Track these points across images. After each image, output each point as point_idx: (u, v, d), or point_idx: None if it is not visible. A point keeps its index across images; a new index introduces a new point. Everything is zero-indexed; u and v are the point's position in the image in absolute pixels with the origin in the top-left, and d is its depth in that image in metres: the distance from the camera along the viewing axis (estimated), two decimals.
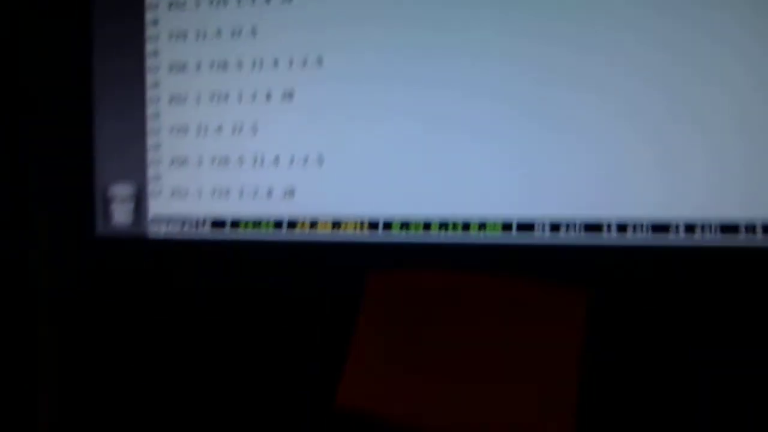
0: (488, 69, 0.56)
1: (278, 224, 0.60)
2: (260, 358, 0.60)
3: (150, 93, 0.63)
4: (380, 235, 0.58)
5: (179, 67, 0.62)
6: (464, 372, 0.50)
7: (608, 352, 0.54)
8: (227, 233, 0.61)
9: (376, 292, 0.53)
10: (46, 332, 0.65)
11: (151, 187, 0.63)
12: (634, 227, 0.54)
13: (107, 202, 0.64)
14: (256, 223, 0.61)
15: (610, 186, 0.55)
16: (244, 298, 0.61)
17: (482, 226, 0.57)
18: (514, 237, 0.56)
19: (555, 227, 0.56)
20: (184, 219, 0.62)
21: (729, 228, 0.53)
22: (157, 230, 0.63)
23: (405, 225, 0.58)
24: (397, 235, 0.58)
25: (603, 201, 0.55)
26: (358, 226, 0.59)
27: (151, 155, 0.63)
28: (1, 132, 0.64)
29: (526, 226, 0.56)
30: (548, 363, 0.50)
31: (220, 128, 0.61)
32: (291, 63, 0.60)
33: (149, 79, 0.63)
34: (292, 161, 0.60)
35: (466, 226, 0.57)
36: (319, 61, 0.59)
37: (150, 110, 0.63)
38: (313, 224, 0.60)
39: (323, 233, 0.59)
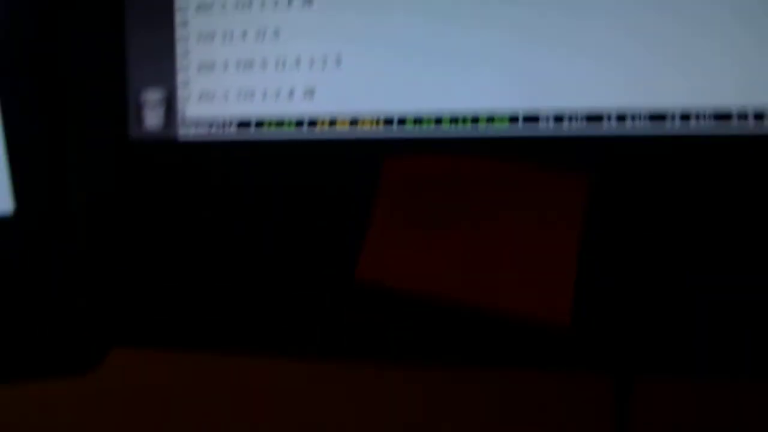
0: None
1: (299, 123, 0.65)
2: (285, 245, 0.65)
3: (178, 2, 0.67)
4: (395, 131, 0.62)
5: None
6: (474, 248, 0.55)
7: (607, 234, 0.58)
8: (252, 133, 0.66)
9: (392, 176, 0.57)
10: (83, 233, 0.70)
11: (181, 92, 0.67)
12: (633, 117, 0.58)
13: (139, 107, 0.68)
14: (279, 123, 0.65)
15: (609, 76, 0.58)
16: (268, 193, 0.65)
17: (490, 119, 0.61)
18: (521, 129, 0.60)
19: (558, 119, 0.59)
20: (212, 121, 0.67)
21: (722, 116, 0.57)
22: (186, 132, 0.67)
23: (418, 120, 0.62)
24: (410, 130, 0.62)
25: (603, 92, 0.59)
26: (374, 122, 0.63)
27: (179, 62, 0.67)
28: (39, 40, 0.68)
29: (531, 119, 0.60)
30: (551, 241, 0.55)
31: (244, 34, 0.65)
32: None
33: None
34: (312, 63, 0.64)
35: (475, 120, 0.61)
36: None
37: (178, 19, 0.67)
38: (332, 122, 0.64)
39: (341, 131, 0.64)
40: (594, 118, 0.59)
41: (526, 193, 0.55)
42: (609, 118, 0.59)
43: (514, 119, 0.60)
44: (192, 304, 0.66)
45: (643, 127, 0.58)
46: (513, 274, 0.53)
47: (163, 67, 0.68)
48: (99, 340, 0.69)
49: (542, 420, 0.60)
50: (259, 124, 0.65)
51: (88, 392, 0.64)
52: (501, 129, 0.60)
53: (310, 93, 0.64)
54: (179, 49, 0.67)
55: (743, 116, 0.57)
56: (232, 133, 0.66)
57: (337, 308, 0.59)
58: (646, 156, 0.58)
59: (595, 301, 0.55)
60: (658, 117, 0.58)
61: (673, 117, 0.58)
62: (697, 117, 0.57)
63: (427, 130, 0.62)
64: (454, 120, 0.61)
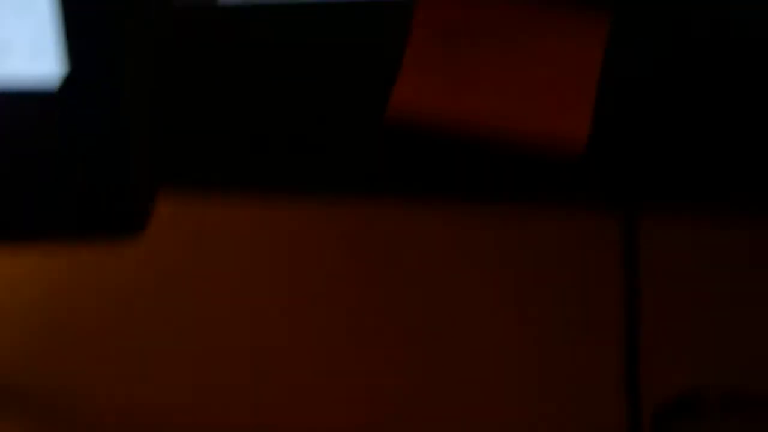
0: None
1: None
2: (324, 104, 0.69)
3: None
4: None
5: None
6: (499, 81, 0.60)
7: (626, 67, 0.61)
8: None
9: (423, 18, 0.61)
10: (131, 101, 0.74)
11: None
12: None
13: None
14: None
15: None
16: (307, 53, 0.70)
17: None
18: None
19: None
20: None
21: None
22: None
23: None
24: None
25: None
26: None
27: None
28: None
29: None
30: (573, 72, 0.59)
31: None
32: None
33: None
34: None
35: None
36: None
37: None
38: None
39: None
40: None
41: (550, 29, 0.59)
42: None
43: None
44: (233, 166, 0.71)
45: None
46: (535, 102, 0.58)
47: None
48: (146, 204, 0.72)
49: (551, 255, 0.65)
50: None
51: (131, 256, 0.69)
52: None
53: None
54: None
55: None
56: None
57: (368, 146, 0.64)
58: None
59: (608, 133, 0.59)
60: None
61: None
62: None
63: None
64: None
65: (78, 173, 0.66)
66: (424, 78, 0.60)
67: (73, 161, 0.65)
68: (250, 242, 0.70)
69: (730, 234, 0.61)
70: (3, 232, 0.62)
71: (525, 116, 0.57)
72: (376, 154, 0.64)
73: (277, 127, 0.70)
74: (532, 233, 0.64)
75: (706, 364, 0.64)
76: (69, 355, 0.69)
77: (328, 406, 0.68)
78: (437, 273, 0.68)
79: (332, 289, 0.69)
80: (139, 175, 0.73)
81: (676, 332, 0.63)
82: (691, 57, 0.60)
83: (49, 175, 0.60)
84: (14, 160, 0.60)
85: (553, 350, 0.66)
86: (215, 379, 0.69)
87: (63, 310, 0.69)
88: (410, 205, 0.65)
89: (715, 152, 0.59)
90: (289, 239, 0.70)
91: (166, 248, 0.70)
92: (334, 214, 0.68)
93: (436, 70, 0.60)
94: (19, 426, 0.68)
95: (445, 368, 0.67)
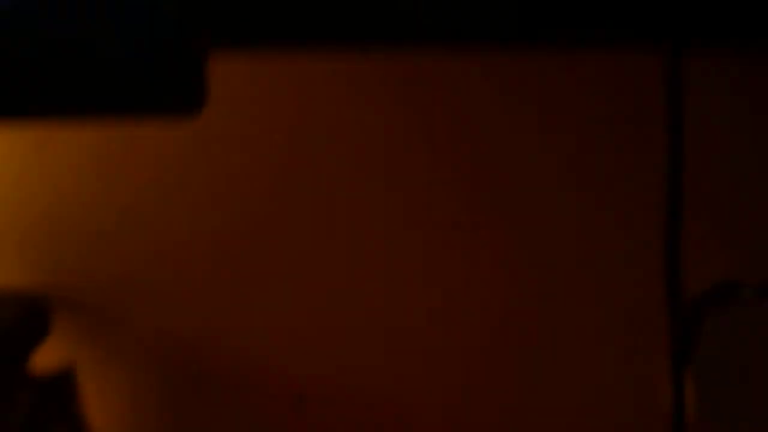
0: None
1: None
2: None
3: None
4: None
5: None
6: None
7: None
8: None
9: None
10: None
11: None
12: None
13: None
14: None
15: None
16: None
17: None
18: None
19: None
20: None
21: None
22: None
23: None
24: None
25: None
26: None
27: None
28: None
29: None
30: None
31: None
32: None
33: None
34: None
35: None
36: None
37: None
38: None
39: None
40: None
41: None
42: None
43: None
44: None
45: None
46: None
47: None
48: (200, 78, 0.73)
49: (597, 100, 0.65)
50: None
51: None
52: None
53: None
54: None
55: None
56: None
57: None
58: None
59: None
60: None
61: None
62: None
63: None
64: None
65: (135, 47, 0.64)
66: None
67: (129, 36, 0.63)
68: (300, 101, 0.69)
69: None
70: (63, 109, 0.63)
71: None
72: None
73: None
74: (579, 78, 0.63)
75: (746, 246, 0.65)
76: (133, 235, 0.71)
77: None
78: (483, 117, 0.67)
79: (388, 138, 0.68)
80: (190, 47, 0.70)
81: (718, 207, 0.63)
82: None
83: (107, 50, 0.60)
84: (74, 36, 0.60)
85: (595, 216, 0.67)
86: (283, 243, 0.70)
87: (122, 188, 0.70)
88: (454, 53, 0.64)
89: None
90: (340, 93, 0.69)
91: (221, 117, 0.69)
92: (389, 65, 0.66)
93: None
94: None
95: (492, 204, 0.68)
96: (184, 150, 0.68)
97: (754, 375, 0.67)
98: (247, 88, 0.68)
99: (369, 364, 0.71)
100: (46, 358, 0.63)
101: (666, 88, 0.54)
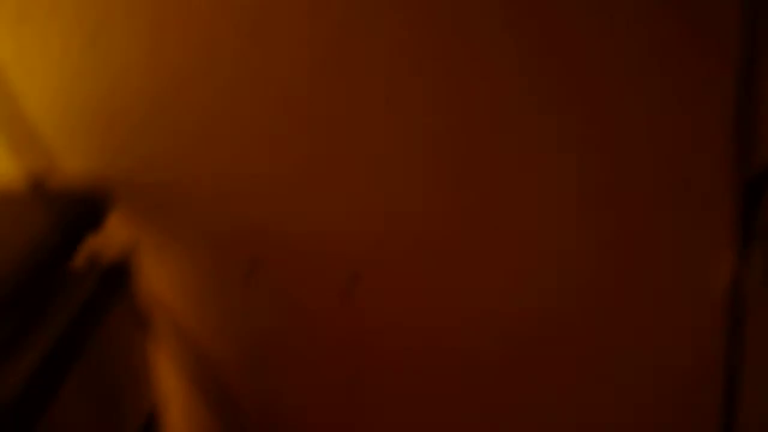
0: None
1: None
2: None
3: None
4: None
5: None
6: None
7: None
8: None
9: None
10: None
11: None
12: None
13: None
14: None
15: None
16: None
17: None
18: None
19: None
20: None
21: None
22: None
23: None
24: None
25: None
26: None
27: None
28: None
29: None
30: None
31: None
32: None
33: None
34: None
35: None
36: None
37: None
38: None
39: None
40: None
41: None
42: None
43: None
44: None
45: None
46: None
47: None
48: None
49: None
50: None
51: None
52: None
53: None
54: None
55: None
56: None
57: None
58: None
59: None
60: None
61: None
62: None
63: None
64: None
65: None
66: None
67: None
68: None
69: None
70: None
71: None
72: None
73: None
74: None
75: None
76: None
77: None
78: None
79: None
80: None
81: None
82: None
83: None
84: None
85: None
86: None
87: (177, 72, 0.70)
88: None
89: None
90: None
91: None
92: None
93: None
94: None
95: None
96: (239, 34, 0.67)
97: None
98: None
99: (426, 249, 0.72)
100: (107, 240, 0.66)
101: None
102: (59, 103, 0.68)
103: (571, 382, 0.74)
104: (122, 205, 0.69)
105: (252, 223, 0.71)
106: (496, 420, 0.76)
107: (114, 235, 0.68)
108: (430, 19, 0.64)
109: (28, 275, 0.53)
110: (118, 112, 0.68)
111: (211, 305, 0.73)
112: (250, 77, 0.67)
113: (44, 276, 0.56)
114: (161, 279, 0.71)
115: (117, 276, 0.66)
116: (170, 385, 0.75)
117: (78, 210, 0.64)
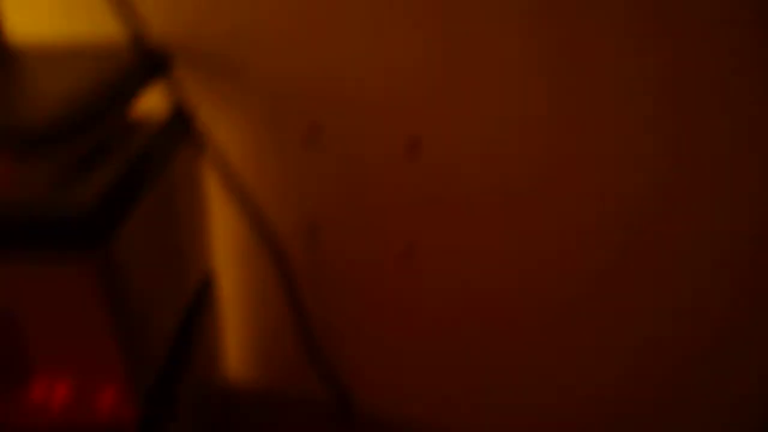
0: None
1: None
2: None
3: None
4: None
5: None
6: None
7: None
8: None
9: None
10: None
11: None
12: None
13: None
14: None
15: None
16: None
17: None
18: None
19: None
20: None
21: None
22: None
23: None
24: None
25: None
26: None
27: None
28: None
29: None
30: None
31: None
32: None
33: None
34: None
35: None
36: None
37: None
38: None
39: None
40: None
41: None
42: None
43: None
44: None
45: None
46: None
47: None
48: None
49: None
50: None
51: None
52: None
53: None
54: None
55: None
56: None
57: None
58: None
59: None
60: None
61: None
62: None
63: None
64: None
65: None
66: None
67: None
68: None
69: None
70: None
71: None
72: None
73: None
74: None
75: None
76: None
77: None
78: None
79: None
80: None
81: None
82: None
83: None
84: None
85: None
86: None
87: None
88: None
89: None
90: None
91: None
92: None
93: None
94: None
95: None
96: None
97: None
98: None
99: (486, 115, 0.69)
100: (171, 90, 0.65)
101: None
102: None
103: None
104: (180, 72, 0.67)
105: (312, 87, 0.69)
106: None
107: (178, 87, 0.68)
108: None
109: (98, 108, 0.53)
110: None
111: (270, 168, 0.72)
112: None
113: (112, 111, 0.56)
114: (221, 140, 0.70)
115: (181, 122, 0.66)
116: (227, 247, 0.74)
117: (144, 60, 0.63)
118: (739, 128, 0.68)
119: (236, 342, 0.80)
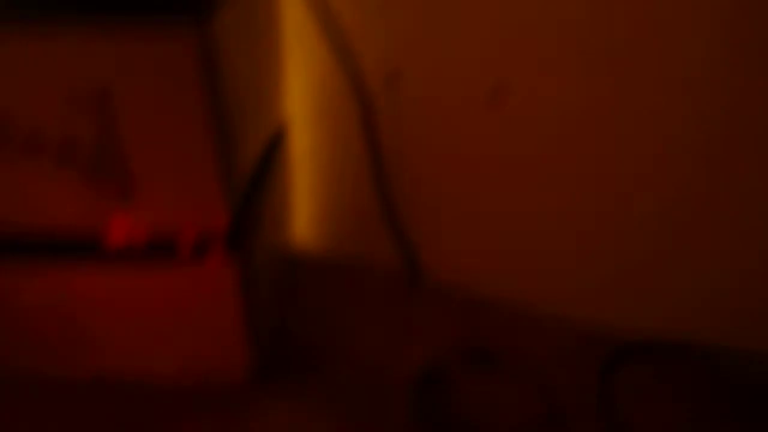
0: None
1: None
2: None
3: None
4: None
5: None
6: None
7: None
8: None
9: None
10: None
11: None
12: None
13: None
14: None
15: None
16: None
17: None
18: None
19: None
20: None
21: None
22: None
23: None
24: None
25: None
26: None
27: None
28: None
29: None
30: None
31: None
32: None
33: None
34: None
35: None
36: None
37: None
38: None
39: None
40: None
41: None
42: None
43: None
44: None
45: None
46: None
47: None
48: None
49: None
50: None
51: None
52: None
53: None
54: None
55: None
56: None
57: None
58: None
59: None
60: None
61: None
62: None
63: None
64: None
65: None
66: None
67: None
68: None
69: None
70: None
71: None
72: None
73: None
74: None
75: None
76: None
77: None
78: None
79: None
80: None
81: None
82: None
83: None
84: None
85: None
86: None
87: None
88: None
89: None
90: None
91: None
92: None
93: None
94: None
95: None
96: None
97: None
98: None
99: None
100: None
101: None
102: None
103: None
104: None
105: (392, 32, 0.66)
106: None
107: None
108: None
109: None
110: None
111: (350, 114, 0.70)
112: None
113: None
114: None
115: None
116: (303, 98, 0.72)
117: None
118: None
119: (305, 205, 0.79)
